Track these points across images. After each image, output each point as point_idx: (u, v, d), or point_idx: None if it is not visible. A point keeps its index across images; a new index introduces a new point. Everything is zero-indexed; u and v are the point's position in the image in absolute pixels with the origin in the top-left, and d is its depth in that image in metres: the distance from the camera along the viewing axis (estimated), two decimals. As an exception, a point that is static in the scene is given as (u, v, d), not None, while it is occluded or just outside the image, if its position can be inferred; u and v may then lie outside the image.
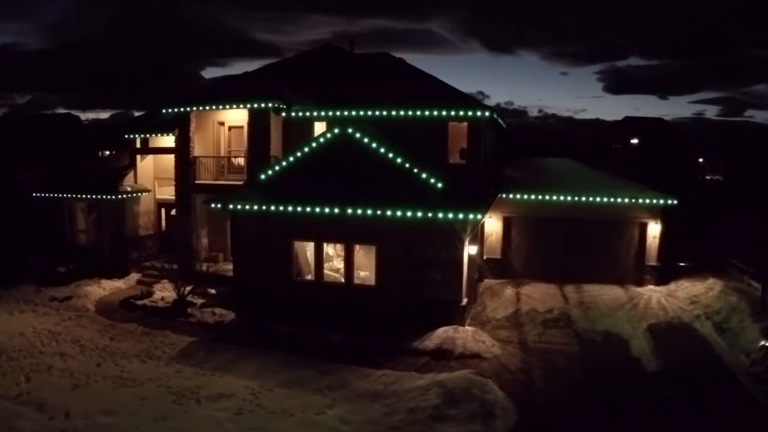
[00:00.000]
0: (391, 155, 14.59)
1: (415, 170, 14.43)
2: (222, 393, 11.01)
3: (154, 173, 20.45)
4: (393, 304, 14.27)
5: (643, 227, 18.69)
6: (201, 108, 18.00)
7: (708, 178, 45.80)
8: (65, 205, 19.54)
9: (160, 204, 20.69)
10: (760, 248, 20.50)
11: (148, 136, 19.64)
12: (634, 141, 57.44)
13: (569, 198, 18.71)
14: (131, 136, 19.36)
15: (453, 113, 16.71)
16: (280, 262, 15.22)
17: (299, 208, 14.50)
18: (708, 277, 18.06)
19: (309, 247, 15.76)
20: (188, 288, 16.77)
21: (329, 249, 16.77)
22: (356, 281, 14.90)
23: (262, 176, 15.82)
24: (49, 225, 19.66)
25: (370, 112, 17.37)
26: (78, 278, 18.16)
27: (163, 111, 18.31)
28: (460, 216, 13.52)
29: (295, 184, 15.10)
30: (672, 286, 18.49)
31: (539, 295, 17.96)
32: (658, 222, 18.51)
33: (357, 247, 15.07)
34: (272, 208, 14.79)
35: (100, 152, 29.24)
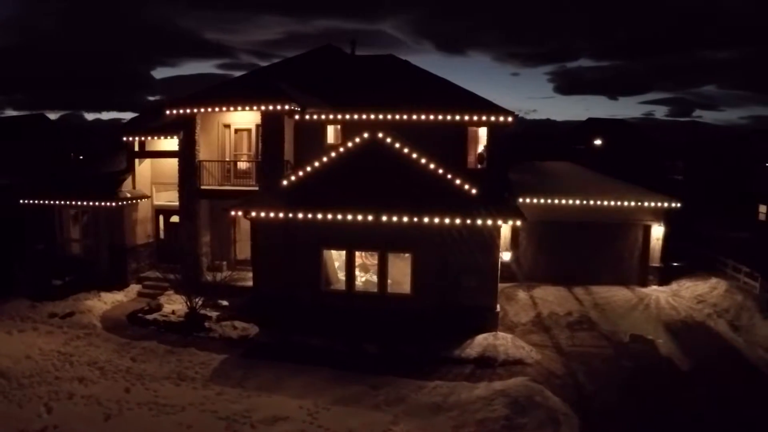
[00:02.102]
0: (423, 161, 14.36)
1: (449, 176, 14.28)
2: (276, 415, 10.42)
3: (151, 178, 19.21)
4: (428, 312, 14.08)
5: (647, 229, 19.37)
6: (210, 109, 17.06)
7: (669, 177, 48.25)
8: (56, 212, 17.98)
9: (158, 210, 19.48)
10: (747, 247, 21.82)
11: (146, 138, 18.41)
12: (598, 142, 59.61)
13: (578, 201, 19.12)
14: (129, 138, 18.07)
15: (476, 118, 16.70)
16: (307, 271, 14.66)
17: (330, 216, 14.02)
18: (709, 276, 18.97)
19: (335, 256, 15.29)
20: (198, 300, 15.87)
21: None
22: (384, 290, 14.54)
23: (284, 182, 15.18)
24: (36, 233, 18.04)
25: (389, 116, 17.06)
26: (75, 291, 16.76)
27: (167, 112, 17.21)
28: (499, 222, 13.51)
29: (322, 190, 14.58)
30: (674, 286, 19.29)
31: (553, 298, 18.27)
32: (662, 224, 19.26)
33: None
34: (300, 215, 14.23)
35: (73, 155, 27.20)
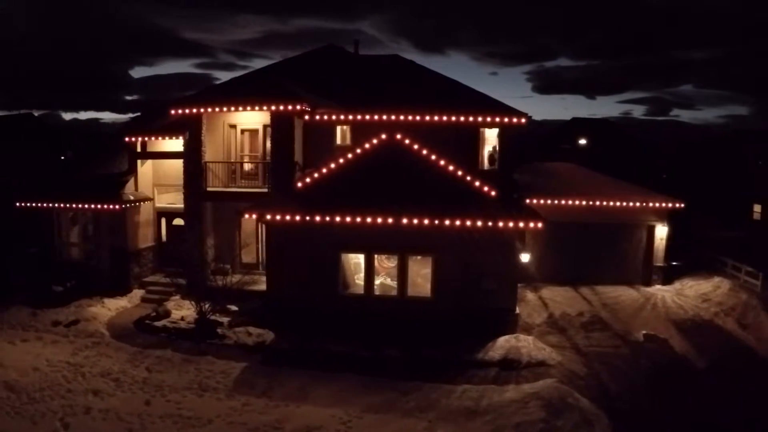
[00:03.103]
0: (442, 162, 14.24)
1: (468, 178, 14.20)
2: (309, 425, 10.17)
3: (152, 179, 18.60)
4: (448, 315, 13.96)
5: (651, 229, 19.66)
6: (217, 109, 16.58)
7: (656, 177, 49.11)
8: (55, 215, 17.21)
9: (160, 213, 18.87)
10: (743, 246, 22.32)
11: (147, 139, 17.81)
12: (583, 142, 60.41)
13: (585, 202, 19.27)
14: (132, 139, 17.43)
15: (489, 119, 16.64)
16: (324, 275, 14.38)
17: (349, 219, 13.76)
18: (711, 275, 19.38)
19: (352, 260, 15.03)
20: (207, 305, 15.43)
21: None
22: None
23: (300, 184, 14.88)
24: (32, 237, 17.27)
25: (402, 117, 16.86)
26: (76, 297, 16.09)
27: (172, 112, 16.67)
28: (521, 224, 13.48)
29: (340, 192, 14.32)
30: (677, 285, 19.63)
31: (561, 298, 18.40)
32: (665, 224, 19.57)
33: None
34: (318, 218, 13.93)
35: (62, 156, 26.24)
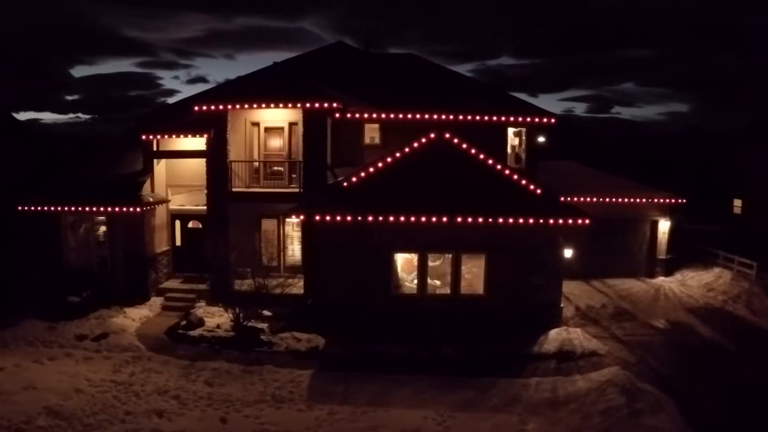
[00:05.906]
0: (491, 161, 14.38)
1: (515, 176, 14.43)
2: (405, 429, 9.95)
3: (166, 180, 17.42)
4: (500, 311, 14.13)
5: (654, 224, 20.84)
6: (246, 106, 15.81)
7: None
8: (62, 219, 15.63)
9: (174, 215, 17.72)
10: (727, 239, 24.09)
11: (162, 137, 16.66)
12: (541, 140, 62.60)
13: (596, 199, 20.09)
14: (150, 137, 16.21)
15: (520, 118, 16.98)
16: (375, 276, 14.10)
17: (403, 218, 13.58)
18: (710, 266, 20.79)
19: (402, 259, 14.83)
20: (240, 311, 14.72)
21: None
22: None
23: (345, 183, 14.49)
24: (34, 243, 15.67)
25: (435, 116, 16.83)
26: (94, 308, 14.74)
27: (195, 109, 15.71)
28: (570, 221, 13.88)
29: (388, 191, 14.08)
30: (678, 276, 20.92)
31: (579, 292, 19.10)
32: (668, 219, 20.81)
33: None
34: (370, 218, 13.64)
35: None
